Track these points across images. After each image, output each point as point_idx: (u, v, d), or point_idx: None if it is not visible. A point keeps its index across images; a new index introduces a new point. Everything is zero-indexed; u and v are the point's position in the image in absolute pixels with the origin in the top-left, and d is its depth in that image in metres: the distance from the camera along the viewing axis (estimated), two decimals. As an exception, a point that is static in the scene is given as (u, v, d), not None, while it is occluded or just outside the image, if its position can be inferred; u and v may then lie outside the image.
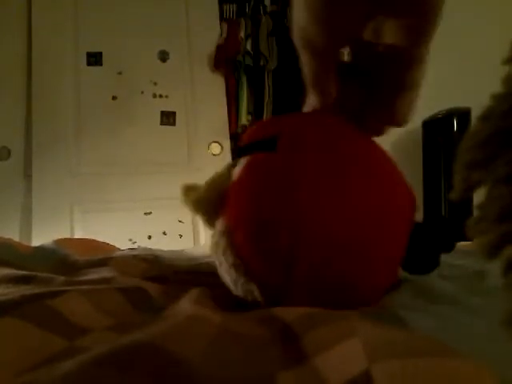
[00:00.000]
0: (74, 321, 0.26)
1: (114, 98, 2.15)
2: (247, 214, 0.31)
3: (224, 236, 0.33)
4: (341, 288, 0.31)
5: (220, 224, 0.34)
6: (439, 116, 1.86)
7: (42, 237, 1.89)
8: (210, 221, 0.36)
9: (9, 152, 2.09)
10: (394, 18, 0.28)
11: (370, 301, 0.33)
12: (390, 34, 0.29)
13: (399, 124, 0.33)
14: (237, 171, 0.34)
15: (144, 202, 2.11)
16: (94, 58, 2.16)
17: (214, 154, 2.25)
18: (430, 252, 0.37)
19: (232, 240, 0.32)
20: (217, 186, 0.35)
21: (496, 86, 0.15)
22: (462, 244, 0.93)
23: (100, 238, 0.73)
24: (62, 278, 0.38)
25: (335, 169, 0.31)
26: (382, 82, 0.33)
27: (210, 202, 0.35)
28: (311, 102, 0.35)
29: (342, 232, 0.30)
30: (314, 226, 0.30)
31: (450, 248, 0.37)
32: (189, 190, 0.38)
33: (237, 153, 0.37)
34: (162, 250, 0.76)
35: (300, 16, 0.29)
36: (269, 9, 2.52)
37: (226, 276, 0.34)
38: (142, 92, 2.18)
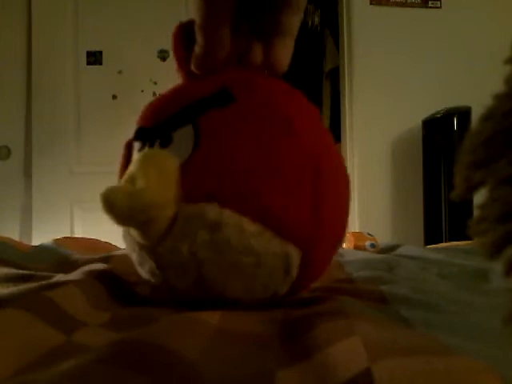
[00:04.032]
0: (70, 313, 0.27)
1: (114, 97, 2.15)
2: (261, 165, 0.28)
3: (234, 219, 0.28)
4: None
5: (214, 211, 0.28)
6: (439, 115, 1.85)
7: (41, 236, 1.88)
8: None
9: (9, 152, 2.09)
10: None
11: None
12: None
13: (277, 70, 0.34)
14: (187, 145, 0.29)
15: (144, 202, 2.11)
16: (94, 57, 2.15)
17: (213, 154, 2.25)
18: None
19: (256, 209, 0.28)
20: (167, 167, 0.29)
21: (496, 85, 0.15)
22: (462, 243, 0.93)
23: (100, 238, 0.73)
24: (60, 276, 0.39)
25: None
26: (261, 27, 0.33)
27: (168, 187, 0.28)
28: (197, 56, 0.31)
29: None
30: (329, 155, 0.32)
31: None
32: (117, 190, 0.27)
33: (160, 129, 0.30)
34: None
35: None
36: (269, 8, 2.51)
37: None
38: (142, 91, 2.18)
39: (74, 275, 0.34)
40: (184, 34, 0.33)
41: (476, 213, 0.14)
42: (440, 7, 2.11)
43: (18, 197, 2.08)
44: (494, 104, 0.13)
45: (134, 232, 0.31)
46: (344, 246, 0.96)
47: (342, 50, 2.16)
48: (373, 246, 0.89)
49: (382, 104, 2.07)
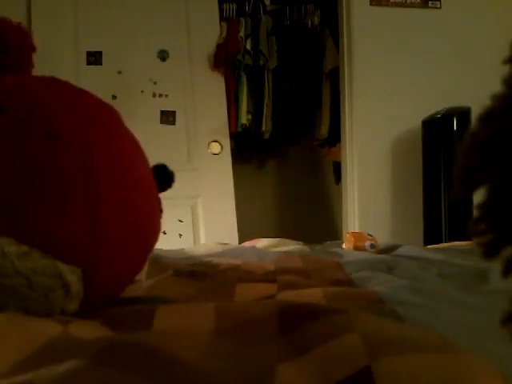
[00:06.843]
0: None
1: (113, 97, 2.15)
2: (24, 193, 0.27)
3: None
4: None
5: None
6: (439, 115, 1.85)
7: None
8: None
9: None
10: None
11: None
12: None
13: None
14: None
15: (144, 202, 2.11)
16: (94, 57, 2.15)
17: (213, 154, 2.25)
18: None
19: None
20: None
21: (496, 86, 0.15)
22: (462, 243, 0.93)
23: None
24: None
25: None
26: None
27: None
28: None
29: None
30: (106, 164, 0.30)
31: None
32: None
33: None
34: (161, 249, 0.76)
35: None
36: (269, 8, 2.51)
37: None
38: (142, 91, 2.18)
39: None
40: None
41: (474, 213, 0.14)
42: (440, 7, 2.11)
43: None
44: (492, 104, 0.13)
45: None
46: (344, 246, 0.96)
47: (341, 50, 2.15)
48: (372, 246, 0.89)
49: (382, 104, 2.07)
